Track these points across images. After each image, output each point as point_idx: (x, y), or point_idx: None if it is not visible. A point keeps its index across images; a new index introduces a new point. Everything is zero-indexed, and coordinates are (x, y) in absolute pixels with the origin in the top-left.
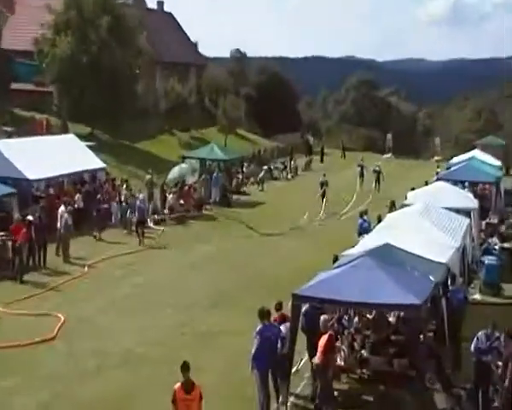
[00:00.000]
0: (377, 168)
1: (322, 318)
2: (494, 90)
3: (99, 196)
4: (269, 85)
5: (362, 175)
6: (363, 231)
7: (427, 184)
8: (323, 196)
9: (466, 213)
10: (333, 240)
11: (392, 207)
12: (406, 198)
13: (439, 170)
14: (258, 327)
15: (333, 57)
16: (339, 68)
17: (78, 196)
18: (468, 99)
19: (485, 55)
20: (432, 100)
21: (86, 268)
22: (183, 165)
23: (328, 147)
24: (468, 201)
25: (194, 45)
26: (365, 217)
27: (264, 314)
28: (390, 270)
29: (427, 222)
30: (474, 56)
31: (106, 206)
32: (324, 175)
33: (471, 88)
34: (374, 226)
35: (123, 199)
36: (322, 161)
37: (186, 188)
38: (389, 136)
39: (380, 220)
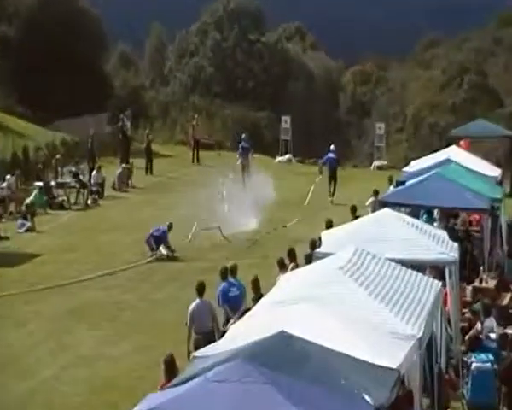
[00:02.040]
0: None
1: None
2: (482, 31)
3: None
4: (49, 23)
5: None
6: (229, 301)
7: (356, 217)
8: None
9: (435, 270)
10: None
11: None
12: (317, 244)
13: (391, 187)
14: None
15: None
16: None
17: None
18: (438, 46)
19: None
20: (372, 51)
21: None
22: None
23: (164, 141)
24: (440, 246)
25: None
26: (232, 279)
27: None
28: (284, 386)
29: (359, 288)
30: None
31: None
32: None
33: (444, 28)
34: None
35: None
36: (149, 171)
37: None
38: (286, 121)
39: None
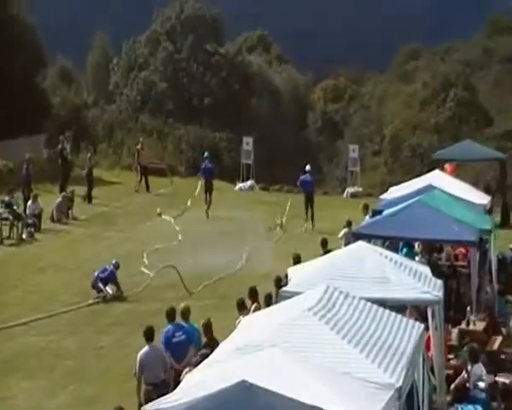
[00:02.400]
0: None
1: None
2: (470, 40)
3: None
4: None
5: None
6: (171, 347)
7: (327, 251)
8: None
9: (416, 311)
10: None
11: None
12: (282, 282)
13: (366, 217)
14: None
15: None
16: None
17: None
18: (419, 57)
19: None
20: (345, 63)
21: None
22: None
23: (109, 166)
24: (422, 283)
25: None
26: (183, 322)
27: None
28: None
29: (330, 332)
30: None
31: None
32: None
33: (426, 37)
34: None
35: None
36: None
37: None
38: (247, 142)
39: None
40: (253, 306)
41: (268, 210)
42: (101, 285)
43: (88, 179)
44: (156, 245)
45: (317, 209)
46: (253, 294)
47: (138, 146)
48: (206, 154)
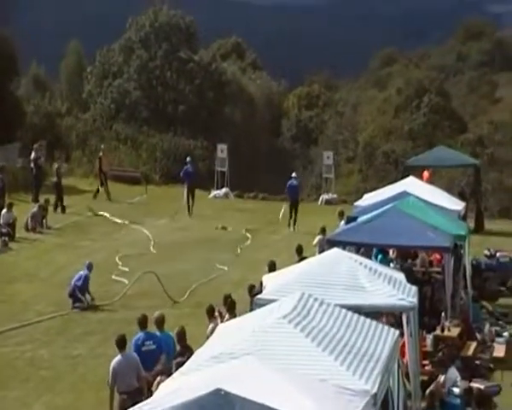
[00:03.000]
0: None
1: None
2: (445, 46)
3: None
4: None
5: None
6: (140, 356)
7: (302, 258)
8: None
9: (391, 317)
10: None
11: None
12: (255, 289)
13: (341, 224)
14: None
15: None
16: None
17: None
18: (394, 63)
19: None
20: (319, 69)
21: None
22: None
23: (84, 174)
24: (396, 290)
25: None
26: (157, 331)
27: None
28: None
29: (305, 339)
30: None
31: None
32: None
33: (401, 42)
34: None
35: None
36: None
37: None
38: (222, 149)
39: None
40: (227, 315)
41: (243, 217)
42: (79, 295)
43: (57, 189)
44: (130, 253)
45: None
46: (228, 301)
47: (100, 153)
48: (188, 158)
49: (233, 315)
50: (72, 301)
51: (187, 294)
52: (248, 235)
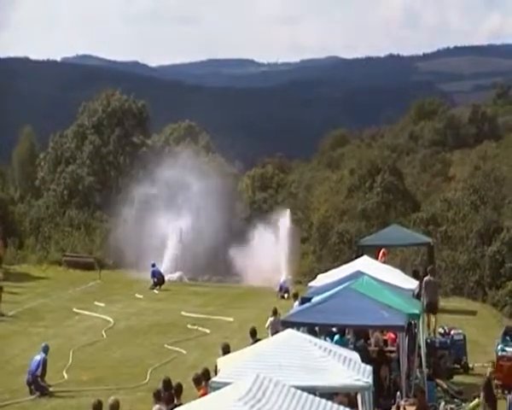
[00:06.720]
0: None
1: None
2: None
3: None
4: None
5: None
6: None
7: (256, 340)
8: None
9: (346, 397)
10: None
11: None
12: (210, 373)
13: (295, 304)
14: None
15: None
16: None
17: None
18: (346, 143)
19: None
20: (273, 151)
21: None
22: None
23: (37, 261)
24: (351, 370)
25: None
26: None
27: None
28: None
29: None
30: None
31: None
32: None
33: (354, 123)
34: None
35: None
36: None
37: None
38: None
39: None
40: (176, 399)
41: (197, 300)
42: (41, 383)
43: None
44: (83, 341)
45: (245, 298)
46: (169, 385)
47: None
48: (152, 262)
49: (176, 395)
50: (33, 387)
51: (147, 377)
52: (203, 316)
